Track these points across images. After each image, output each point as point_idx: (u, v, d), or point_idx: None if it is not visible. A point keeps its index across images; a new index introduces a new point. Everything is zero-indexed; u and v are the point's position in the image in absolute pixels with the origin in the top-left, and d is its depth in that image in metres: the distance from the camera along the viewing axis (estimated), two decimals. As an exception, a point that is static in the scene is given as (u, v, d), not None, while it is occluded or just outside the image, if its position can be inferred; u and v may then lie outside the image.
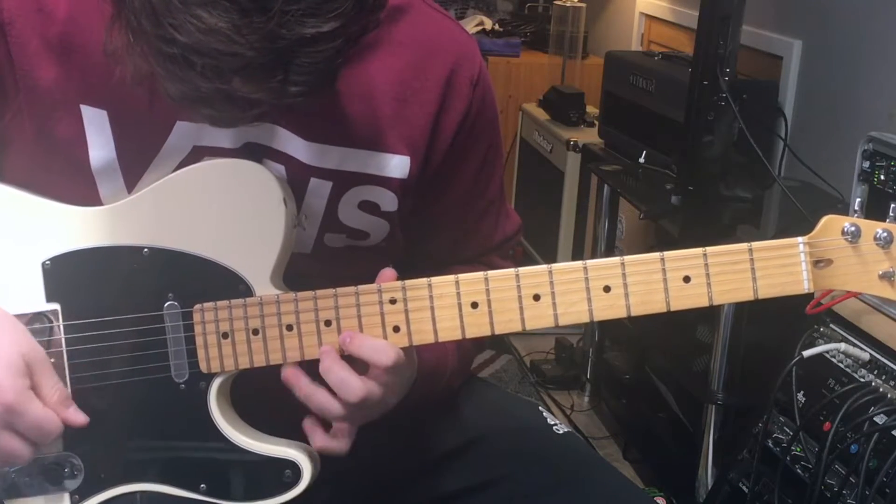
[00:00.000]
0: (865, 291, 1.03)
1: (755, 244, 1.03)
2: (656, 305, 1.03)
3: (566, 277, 1.03)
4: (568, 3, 4.08)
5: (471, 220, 1.29)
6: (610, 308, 1.03)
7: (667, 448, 2.54)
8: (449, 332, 1.05)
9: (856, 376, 1.71)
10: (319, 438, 1.08)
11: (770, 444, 1.85)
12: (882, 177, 1.78)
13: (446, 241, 1.27)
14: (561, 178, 3.46)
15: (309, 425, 1.08)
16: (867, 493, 1.57)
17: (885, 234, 1.02)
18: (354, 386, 1.03)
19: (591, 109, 3.62)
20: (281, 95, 0.89)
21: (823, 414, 1.71)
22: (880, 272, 1.02)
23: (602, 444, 2.81)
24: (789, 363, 1.78)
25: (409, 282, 1.05)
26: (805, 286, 1.03)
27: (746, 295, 1.03)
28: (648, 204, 2.47)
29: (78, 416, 1.06)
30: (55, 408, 1.03)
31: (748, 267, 1.03)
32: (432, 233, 1.26)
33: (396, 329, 1.05)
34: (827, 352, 1.76)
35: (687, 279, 1.03)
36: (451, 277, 1.04)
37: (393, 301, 1.05)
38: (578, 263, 1.03)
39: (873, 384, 1.67)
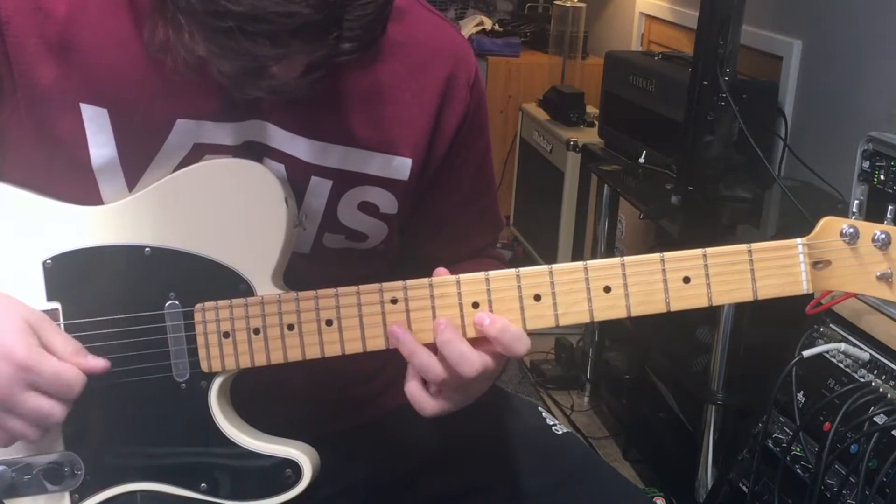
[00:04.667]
0: (863, 293, 1.04)
1: (754, 245, 1.03)
2: (656, 306, 1.03)
3: (567, 278, 1.03)
4: (568, 3, 4.09)
5: (471, 219, 1.29)
6: (610, 308, 1.03)
7: (667, 448, 2.55)
8: (450, 332, 1.04)
9: (856, 376, 1.71)
10: (414, 386, 1.06)
11: (770, 444, 1.85)
12: (882, 177, 1.78)
13: (447, 241, 1.27)
14: (561, 178, 3.46)
15: (410, 369, 1.05)
16: (867, 493, 1.57)
17: (883, 236, 1.02)
18: (474, 360, 1.02)
19: (591, 109, 3.62)
20: (336, 53, 0.90)
21: (823, 414, 1.71)
22: (878, 273, 1.03)
23: (602, 444, 2.81)
24: (789, 363, 1.78)
25: (410, 282, 1.05)
26: (804, 287, 1.03)
27: (746, 296, 1.03)
28: (648, 204, 2.48)
29: (98, 362, 1.05)
30: (72, 360, 1.03)
31: (748, 268, 1.03)
32: (433, 233, 1.26)
33: (397, 328, 1.05)
34: (827, 352, 1.76)
35: (687, 280, 1.03)
36: (451, 277, 1.04)
37: (394, 301, 1.05)
38: (579, 264, 1.03)
39: (873, 384, 1.67)
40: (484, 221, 1.31)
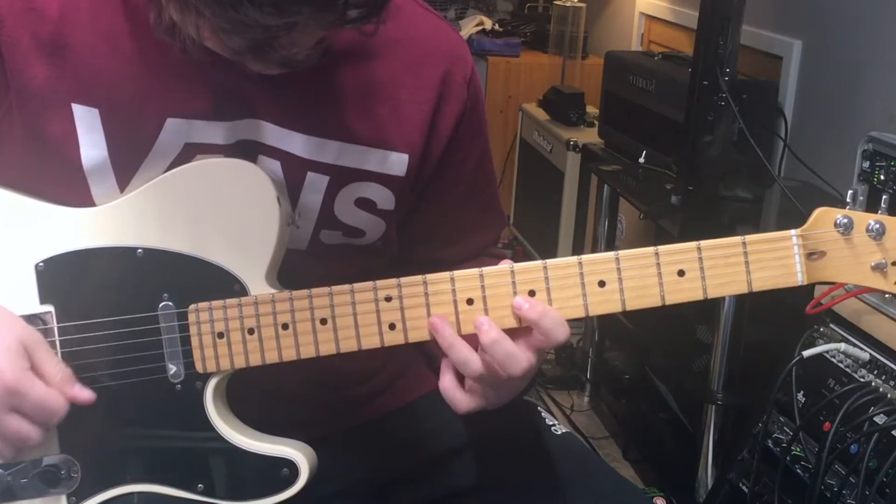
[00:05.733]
0: (858, 283, 1.03)
1: (749, 237, 1.02)
2: (651, 299, 1.03)
3: (561, 273, 1.03)
4: (568, 3, 4.08)
5: (472, 216, 1.28)
6: (605, 302, 1.03)
7: (667, 448, 2.54)
8: (445, 328, 1.04)
9: (856, 376, 1.70)
10: (448, 381, 1.05)
11: (770, 444, 1.85)
12: (882, 177, 1.78)
13: (449, 239, 1.27)
14: (561, 178, 3.46)
15: (445, 364, 1.05)
16: (867, 493, 1.57)
17: (878, 226, 1.02)
18: (521, 359, 1.01)
19: (591, 109, 3.62)
20: (345, 20, 0.91)
21: (823, 414, 1.71)
22: (873, 263, 1.02)
23: (602, 444, 2.81)
24: (789, 363, 1.77)
25: (404, 279, 1.04)
26: (799, 278, 1.03)
27: (741, 288, 1.03)
28: (648, 204, 2.48)
29: (83, 393, 1.04)
30: (59, 387, 1.02)
31: (742, 260, 1.02)
32: (434, 231, 1.26)
33: (392, 326, 1.04)
34: (827, 352, 1.76)
35: (681, 273, 1.02)
36: (445, 274, 1.04)
37: (388, 298, 1.04)
38: (573, 259, 1.03)
39: (873, 384, 1.66)
40: (485, 218, 1.31)
